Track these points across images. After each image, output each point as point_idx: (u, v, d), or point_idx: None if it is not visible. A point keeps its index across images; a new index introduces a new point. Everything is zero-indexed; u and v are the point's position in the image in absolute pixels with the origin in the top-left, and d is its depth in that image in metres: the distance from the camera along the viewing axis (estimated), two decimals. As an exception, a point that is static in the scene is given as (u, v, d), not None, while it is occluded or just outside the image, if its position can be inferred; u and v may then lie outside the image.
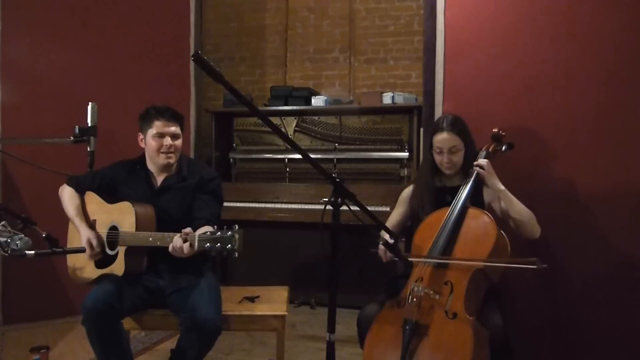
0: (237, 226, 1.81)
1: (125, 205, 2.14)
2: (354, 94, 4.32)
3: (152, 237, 2.02)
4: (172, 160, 2.22)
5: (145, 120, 2.22)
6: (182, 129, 2.27)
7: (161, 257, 2.11)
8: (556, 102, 2.44)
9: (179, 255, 1.93)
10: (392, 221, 2.29)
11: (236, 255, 1.79)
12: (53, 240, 1.73)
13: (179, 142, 2.23)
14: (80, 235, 2.16)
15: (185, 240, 1.89)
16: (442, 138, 2.14)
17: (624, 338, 2.35)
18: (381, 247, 1.96)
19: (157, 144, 2.19)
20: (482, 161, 2.11)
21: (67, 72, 3.38)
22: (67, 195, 2.28)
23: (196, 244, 1.87)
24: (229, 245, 1.78)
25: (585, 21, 2.39)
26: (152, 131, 2.20)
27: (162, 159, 2.21)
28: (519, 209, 2.08)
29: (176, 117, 2.24)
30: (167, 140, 2.19)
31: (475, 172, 2.09)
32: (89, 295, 1.99)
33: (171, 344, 2.33)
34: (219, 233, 1.81)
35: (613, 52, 2.35)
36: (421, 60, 3.35)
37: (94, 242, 2.12)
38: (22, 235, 1.63)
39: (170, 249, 1.93)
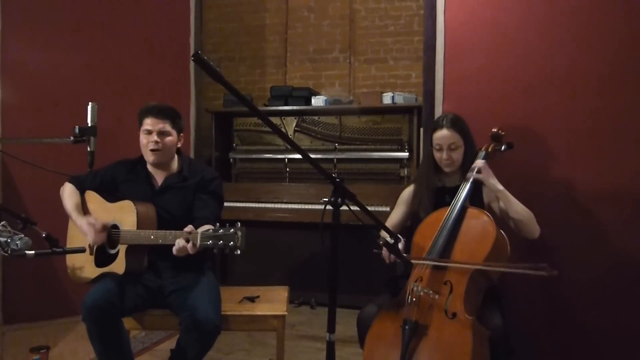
0: (239, 224, 1.82)
1: (127, 204, 2.14)
2: (354, 94, 4.33)
3: (153, 235, 2.02)
4: (159, 157, 2.21)
5: (139, 118, 2.24)
6: (176, 127, 2.24)
7: (161, 255, 2.13)
8: (556, 102, 2.44)
9: (183, 255, 1.94)
10: (392, 221, 2.30)
11: (238, 252, 1.80)
12: (53, 240, 1.73)
13: (168, 139, 2.21)
14: (79, 226, 2.15)
15: (187, 240, 1.90)
16: (442, 135, 2.14)
17: (624, 338, 2.35)
18: (382, 237, 1.96)
19: (145, 141, 2.20)
20: (477, 165, 2.10)
21: (67, 72, 3.38)
22: (68, 191, 2.28)
23: (199, 241, 1.87)
24: (232, 243, 1.79)
25: (585, 21, 2.39)
26: (142, 128, 2.21)
27: (148, 156, 2.21)
28: (518, 208, 2.08)
29: (166, 114, 2.21)
30: (153, 137, 2.18)
31: (472, 177, 2.09)
32: (90, 293, 1.99)
33: (171, 344, 2.33)
34: (221, 230, 1.82)
35: (613, 51, 2.35)
36: (421, 60, 3.35)
37: (94, 220, 2.11)
38: (22, 235, 1.63)
39: (174, 251, 1.94)
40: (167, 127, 2.21)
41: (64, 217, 2.28)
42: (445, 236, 1.97)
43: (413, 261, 1.98)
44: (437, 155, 2.18)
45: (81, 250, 1.92)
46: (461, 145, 2.15)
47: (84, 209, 2.27)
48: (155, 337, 3.07)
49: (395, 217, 2.31)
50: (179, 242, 1.91)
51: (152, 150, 2.19)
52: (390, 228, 2.16)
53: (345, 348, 2.80)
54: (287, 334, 2.32)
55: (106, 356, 2.02)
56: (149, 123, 2.19)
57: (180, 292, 2.11)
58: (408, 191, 2.32)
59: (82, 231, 2.14)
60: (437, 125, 2.18)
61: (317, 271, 3.28)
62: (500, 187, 2.09)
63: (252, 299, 2.34)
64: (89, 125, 2.48)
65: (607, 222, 2.36)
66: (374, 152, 3.80)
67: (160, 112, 2.20)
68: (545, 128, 2.45)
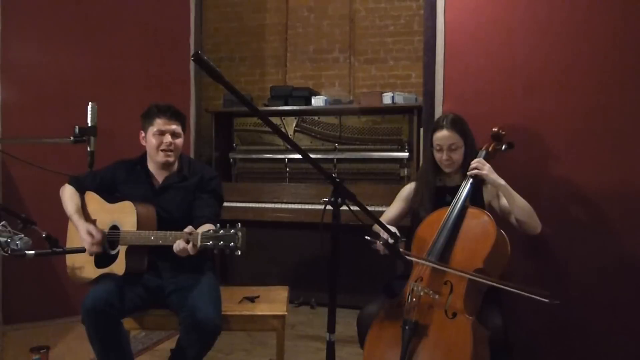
0: (239, 224, 1.82)
1: (127, 204, 2.14)
2: (354, 94, 4.33)
3: (154, 236, 2.02)
4: (171, 159, 2.22)
5: (147, 118, 2.24)
6: (183, 129, 2.28)
7: (161, 255, 2.13)
8: (556, 102, 2.44)
9: (184, 255, 1.94)
10: (388, 215, 2.29)
11: (239, 253, 1.80)
12: (53, 240, 1.73)
13: (179, 140, 2.24)
14: (79, 231, 2.15)
15: (188, 241, 1.90)
16: (442, 135, 2.14)
17: (624, 338, 2.35)
18: (382, 237, 1.96)
19: (157, 142, 2.20)
20: (475, 163, 2.10)
21: (67, 72, 3.38)
22: (68, 193, 2.28)
23: (199, 242, 1.87)
24: (232, 243, 1.79)
25: (585, 21, 2.39)
26: (152, 129, 2.21)
27: (161, 157, 2.21)
28: (520, 203, 2.07)
29: (177, 116, 2.25)
30: (167, 138, 2.19)
31: (473, 174, 2.09)
32: (89, 295, 1.99)
33: (171, 344, 2.33)
34: (222, 231, 1.82)
35: (613, 51, 2.35)
36: (421, 60, 3.35)
37: (94, 231, 2.11)
38: (22, 235, 1.63)
39: (175, 251, 1.94)
40: (179, 129, 2.24)
41: (64, 217, 2.28)
42: (446, 236, 1.97)
43: (411, 258, 1.97)
44: (437, 155, 2.18)
45: (81, 250, 1.92)
46: (461, 145, 2.15)
47: (84, 210, 2.27)
48: (155, 337, 3.07)
49: (392, 212, 2.31)
50: (180, 244, 1.92)
51: (164, 150, 2.20)
52: (386, 222, 2.16)
53: (345, 348, 2.80)
54: (287, 334, 2.32)
55: (106, 357, 2.01)
56: (160, 124, 2.20)
57: (180, 292, 2.11)
58: (408, 188, 2.32)
59: (80, 236, 2.14)
60: (437, 126, 2.18)
61: (317, 271, 3.28)
62: (502, 181, 2.08)
63: (252, 299, 2.34)
64: (89, 125, 2.48)
65: (608, 221, 2.36)
66: (374, 152, 3.80)
67: (173, 114, 2.23)
68: (546, 127, 2.45)
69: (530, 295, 1.74)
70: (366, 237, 1.95)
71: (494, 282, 1.84)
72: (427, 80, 2.77)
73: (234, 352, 2.91)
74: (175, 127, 2.22)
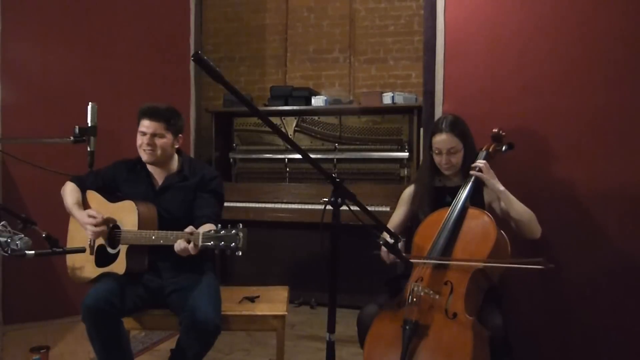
0: (241, 225, 1.82)
1: (128, 204, 2.14)
2: (354, 94, 4.32)
3: (155, 236, 2.03)
4: (151, 158, 2.22)
5: (137, 117, 2.25)
6: (172, 128, 2.23)
7: (162, 255, 2.13)
8: (556, 102, 2.44)
9: (184, 255, 1.94)
10: (393, 222, 2.30)
11: (240, 254, 1.80)
12: (53, 240, 1.73)
13: (161, 141, 2.20)
14: (79, 221, 2.16)
15: (189, 241, 1.90)
16: (441, 139, 2.13)
17: (624, 338, 2.35)
18: (384, 248, 1.96)
19: (139, 141, 2.22)
20: (479, 163, 2.10)
21: (67, 72, 3.38)
22: (69, 188, 2.29)
23: (200, 242, 1.88)
24: (233, 244, 1.80)
25: (586, 21, 2.39)
26: (138, 129, 2.23)
27: (142, 154, 2.24)
28: (519, 209, 2.07)
29: (159, 116, 2.21)
30: (146, 139, 2.20)
31: (474, 175, 2.09)
32: (90, 293, 1.99)
33: (171, 344, 2.33)
34: (223, 231, 1.83)
35: (613, 52, 2.35)
36: (421, 60, 3.35)
37: (94, 212, 2.12)
38: (22, 235, 1.62)
39: (176, 250, 1.95)
40: (161, 129, 2.20)
41: (64, 217, 2.28)
42: (446, 236, 1.97)
43: (413, 260, 1.97)
44: (436, 158, 2.17)
45: (81, 250, 1.92)
46: (460, 149, 2.14)
47: (86, 209, 2.27)
48: (155, 337, 3.07)
49: (396, 218, 2.30)
50: (181, 243, 1.92)
51: (144, 150, 2.21)
52: (392, 229, 2.16)
53: (345, 348, 2.80)
54: (287, 334, 2.32)
55: (106, 356, 2.02)
56: (144, 125, 2.20)
57: (180, 292, 2.11)
58: (408, 191, 2.32)
59: (81, 224, 2.15)
60: (436, 129, 2.17)
61: (317, 271, 3.27)
62: (501, 187, 2.08)
63: (252, 299, 2.34)
64: (89, 125, 2.48)
65: (608, 222, 2.36)
66: (374, 152, 3.80)
67: (154, 114, 2.20)
68: (546, 128, 2.45)
69: (524, 266, 1.81)
70: (375, 252, 1.96)
71: (488, 263, 1.88)
72: (427, 80, 2.76)
73: (234, 352, 2.91)
74: (155, 128, 2.19)
